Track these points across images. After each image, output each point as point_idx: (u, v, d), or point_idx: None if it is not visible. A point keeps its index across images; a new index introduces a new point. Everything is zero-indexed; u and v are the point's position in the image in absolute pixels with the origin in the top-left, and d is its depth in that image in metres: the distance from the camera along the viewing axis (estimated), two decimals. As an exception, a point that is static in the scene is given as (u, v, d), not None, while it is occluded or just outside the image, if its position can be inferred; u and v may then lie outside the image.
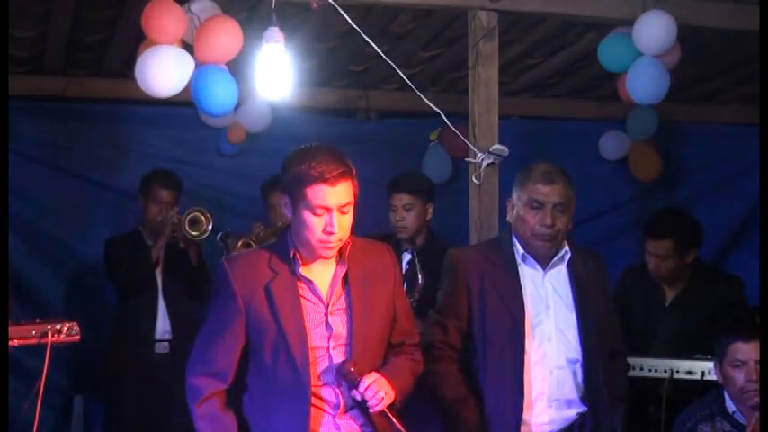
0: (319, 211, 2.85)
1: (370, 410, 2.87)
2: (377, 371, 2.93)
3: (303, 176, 2.85)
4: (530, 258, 3.43)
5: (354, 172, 2.91)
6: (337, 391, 2.92)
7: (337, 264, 2.98)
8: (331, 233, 2.86)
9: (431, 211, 4.79)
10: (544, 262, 3.43)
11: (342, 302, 2.96)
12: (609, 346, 3.50)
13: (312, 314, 2.93)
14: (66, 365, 5.65)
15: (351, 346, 2.93)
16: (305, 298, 2.93)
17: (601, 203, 6.47)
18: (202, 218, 5.14)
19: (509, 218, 3.49)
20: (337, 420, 2.93)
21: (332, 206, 2.85)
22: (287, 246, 2.98)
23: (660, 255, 4.41)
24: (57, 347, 3.18)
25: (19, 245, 5.64)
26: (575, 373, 3.38)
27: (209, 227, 5.11)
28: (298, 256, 2.96)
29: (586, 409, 3.38)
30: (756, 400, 3.55)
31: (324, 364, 2.91)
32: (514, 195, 3.45)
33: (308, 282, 2.95)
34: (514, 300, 3.37)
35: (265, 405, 2.93)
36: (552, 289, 3.42)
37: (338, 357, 2.93)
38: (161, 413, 5.18)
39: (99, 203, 5.99)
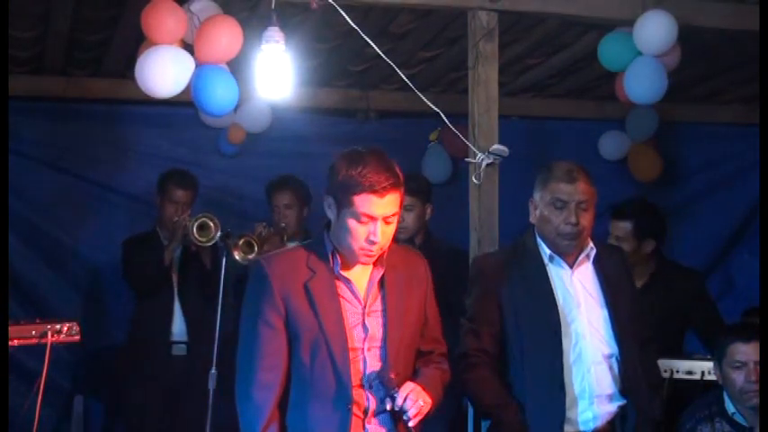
0: (364, 219, 2.82)
1: (410, 422, 2.85)
2: (412, 381, 2.92)
3: (352, 183, 2.81)
4: (557, 258, 3.44)
5: (403, 181, 2.88)
6: (368, 394, 2.91)
7: (374, 266, 2.96)
8: (374, 242, 2.84)
9: (429, 211, 4.80)
10: (571, 260, 3.45)
11: (377, 305, 2.95)
12: (640, 336, 3.51)
13: (350, 314, 2.91)
14: (66, 366, 5.65)
15: (385, 350, 2.91)
16: (343, 297, 2.92)
17: (601, 203, 6.43)
18: (211, 224, 5.11)
19: (532, 219, 3.49)
20: (366, 425, 2.91)
21: (378, 216, 2.82)
22: (325, 245, 2.95)
23: (619, 236, 4.48)
24: (57, 348, 3.18)
25: (19, 245, 5.63)
26: (611, 368, 3.39)
27: (218, 234, 5.08)
28: (337, 255, 2.93)
29: (626, 401, 3.39)
30: (756, 401, 3.55)
31: (359, 366, 2.90)
32: (536, 196, 3.46)
33: (347, 281, 2.94)
34: (547, 301, 3.37)
35: (302, 406, 2.91)
36: (581, 286, 3.44)
37: (372, 360, 2.91)
38: (172, 415, 5.17)
39: (99, 203, 5.99)
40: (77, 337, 3.22)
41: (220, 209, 5.98)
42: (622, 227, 4.47)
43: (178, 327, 5.27)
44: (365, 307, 2.93)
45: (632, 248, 4.45)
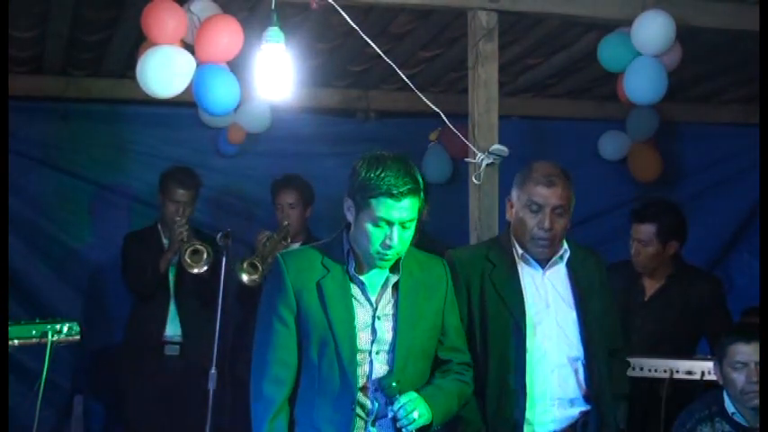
0: (381, 223, 2.83)
1: (401, 430, 2.86)
2: (418, 390, 2.92)
3: (370, 186, 2.81)
4: (528, 258, 3.42)
5: (423, 187, 2.89)
6: (373, 397, 2.91)
7: (390, 270, 2.96)
8: (389, 247, 2.85)
9: (425, 212, 4.78)
10: (543, 261, 3.43)
11: (390, 309, 2.95)
12: (609, 343, 3.50)
13: (361, 316, 2.92)
14: (66, 366, 5.65)
15: (394, 354, 2.92)
16: (355, 298, 2.93)
17: (601, 203, 6.47)
18: (204, 253, 5.12)
19: (508, 216, 3.48)
20: (369, 427, 2.92)
21: (395, 220, 2.83)
22: (342, 245, 2.96)
23: (642, 239, 4.44)
24: (57, 348, 3.18)
25: (19, 245, 5.63)
26: (576, 371, 3.38)
27: (206, 267, 5.10)
28: (353, 256, 2.94)
29: (589, 407, 3.38)
30: (757, 401, 3.55)
31: (365, 369, 2.91)
32: (514, 195, 3.44)
33: (360, 283, 2.94)
34: (514, 299, 3.36)
35: (309, 403, 2.93)
36: (552, 287, 3.42)
37: (380, 364, 2.92)
38: (168, 415, 5.17)
39: (99, 203, 5.99)
40: (77, 337, 3.21)
41: (220, 209, 6.00)
42: (646, 230, 4.42)
43: (172, 328, 5.28)
44: (376, 310, 2.93)
45: (656, 251, 4.42)
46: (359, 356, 2.89)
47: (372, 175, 2.81)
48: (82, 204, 5.96)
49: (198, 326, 5.17)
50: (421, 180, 2.89)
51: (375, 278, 2.96)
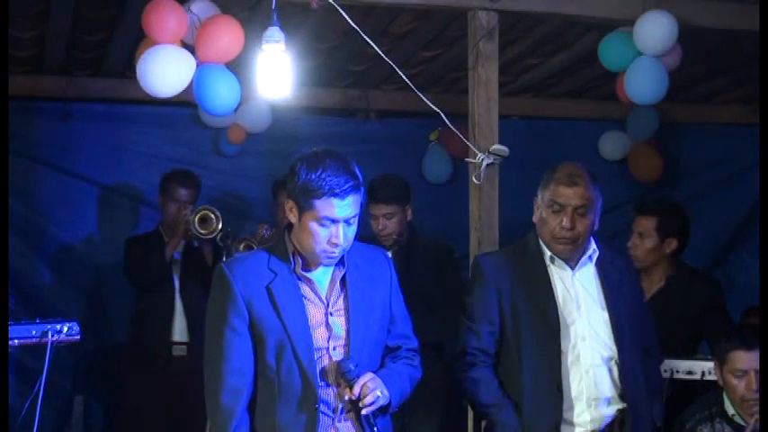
0: (326, 222, 2.84)
1: (362, 411, 2.86)
2: (375, 372, 2.93)
3: (313, 188, 2.82)
4: (558, 259, 3.43)
5: (362, 182, 2.90)
6: (336, 392, 2.92)
7: (336, 265, 2.98)
8: (336, 244, 2.86)
9: (410, 212, 4.78)
10: (573, 262, 3.44)
11: (340, 304, 2.96)
12: (642, 342, 3.51)
13: (314, 314, 2.92)
14: (66, 366, 5.65)
15: (350, 348, 2.92)
16: (306, 298, 2.93)
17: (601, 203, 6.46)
18: (212, 216, 5.16)
19: (534, 218, 3.49)
20: (336, 424, 2.92)
21: (339, 219, 2.84)
22: (286, 246, 2.97)
23: (641, 232, 4.46)
24: (57, 348, 3.18)
25: (19, 245, 5.63)
26: (611, 371, 3.38)
27: (219, 225, 5.14)
28: (298, 256, 2.95)
29: (625, 405, 3.39)
30: (757, 409, 3.54)
31: (324, 366, 2.91)
32: (539, 195, 3.46)
33: (309, 281, 2.95)
34: (547, 301, 3.37)
35: (270, 410, 2.91)
36: (582, 288, 3.43)
37: (338, 358, 2.92)
38: (175, 415, 5.17)
39: (99, 203, 5.99)
40: (77, 337, 3.21)
41: (220, 209, 5.99)
42: (646, 223, 4.45)
43: (179, 326, 5.29)
44: (328, 306, 2.94)
45: (654, 246, 4.43)
46: (317, 355, 2.89)
47: (314, 176, 2.82)
48: (82, 204, 5.96)
49: (204, 322, 5.17)
50: (360, 174, 2.89)
51: (323, 275, 2.97)
